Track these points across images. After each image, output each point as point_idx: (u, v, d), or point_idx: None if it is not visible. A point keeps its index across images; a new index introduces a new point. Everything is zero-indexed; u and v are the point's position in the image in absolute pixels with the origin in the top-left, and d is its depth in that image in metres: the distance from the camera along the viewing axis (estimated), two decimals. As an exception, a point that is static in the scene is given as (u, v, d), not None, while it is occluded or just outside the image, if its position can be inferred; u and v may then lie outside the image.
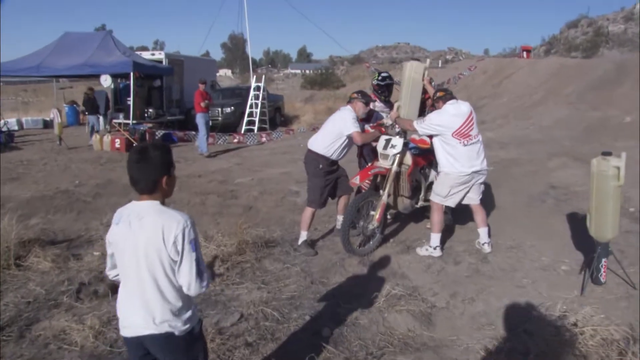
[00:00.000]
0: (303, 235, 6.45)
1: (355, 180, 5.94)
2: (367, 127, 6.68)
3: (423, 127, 5.84)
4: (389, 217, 6.93)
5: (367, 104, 6.39)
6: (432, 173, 6.83)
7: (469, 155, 5.75)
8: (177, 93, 20.59)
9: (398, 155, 6.10)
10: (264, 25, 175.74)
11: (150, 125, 16.41)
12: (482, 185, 6.05)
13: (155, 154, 2.49)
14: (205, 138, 14.19)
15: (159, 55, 20.21)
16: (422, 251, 6.06)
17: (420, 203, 6.72)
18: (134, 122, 16.20)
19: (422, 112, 6.71)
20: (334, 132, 6.25)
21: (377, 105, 7.12)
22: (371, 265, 5.84)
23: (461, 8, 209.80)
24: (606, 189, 4.89)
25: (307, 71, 65.06)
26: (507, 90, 20.80)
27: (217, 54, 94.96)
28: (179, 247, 2.44)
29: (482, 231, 6.12)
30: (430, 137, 5.99)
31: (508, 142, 13.68)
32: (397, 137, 6.21)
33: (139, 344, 2.61)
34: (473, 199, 6.03)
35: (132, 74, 15.93)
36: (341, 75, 58.11)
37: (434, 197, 5.99)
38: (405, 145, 6.23)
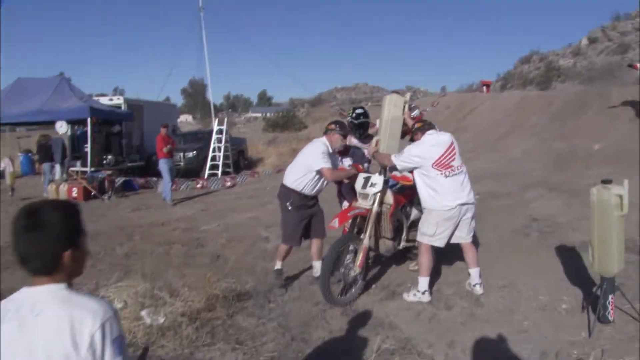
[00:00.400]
0: (277, 264, 6.23)
1: (334, 224, 5.43)
2: (343, 163, 6.25)
3: (401, 160, 5.43)
4: (369, 260, 6.43)
5: (345, 136, 5.99)
6: (414, 211, 6.40)
7: (452, 188, 5.33)
8: (138, 139, 19.95)
9: (378, 194, 5.66)
10: (224, 70, 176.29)
11: (109, 172, 15.67)
12: (473, 222, 5.62)
13: (54, 218, 1.73)
14: (170, 185, 13.51)
15: (118, 100, 19.58)
16: (409, 297, 5.55)
17: (403, 244, 6.25)
18: (92, 169, 15.48)
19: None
20: (304, 165, 5.86)
21: (353, 141, 6.70)
22: (355, 316, 5.29)
23: (417, 47, 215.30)
24: (609, 219, 4.50)
25: (268, 114, 64.97)
26: (472, 125, 20.77)
27: (178, 100, 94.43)
28: (98, 352, 1.66)
29: (474, 272, 5.66)
30: (412, 172, 5.58)
31: (480, 175, 13.37)
32: (377, 174, 5.78)
33: None
34: (462, 237, 5.58)
35: (89, 119, 15.30)
36: (303, 117, 58.09)
37: (420, 237, 5.52)
38: (386, 183, 5.79)
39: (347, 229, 5.94)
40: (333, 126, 6.02)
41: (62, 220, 1.75)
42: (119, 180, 15.29)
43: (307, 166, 5.79)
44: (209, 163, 18.71)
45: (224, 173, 18.59)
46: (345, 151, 6.48)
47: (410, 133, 5.85)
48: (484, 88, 31.84)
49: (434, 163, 5.28)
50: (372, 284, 6.15)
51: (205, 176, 17.97)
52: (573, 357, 4.23)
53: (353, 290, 5.71)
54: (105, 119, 16.86)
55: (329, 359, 4.42)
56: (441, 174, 5.29)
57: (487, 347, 4.48)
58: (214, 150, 18.92)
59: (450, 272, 6.39)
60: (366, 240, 5.59)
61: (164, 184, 13.65)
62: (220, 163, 18.78)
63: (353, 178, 5.92)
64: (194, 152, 19.29)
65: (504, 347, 4.46)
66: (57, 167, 16.42)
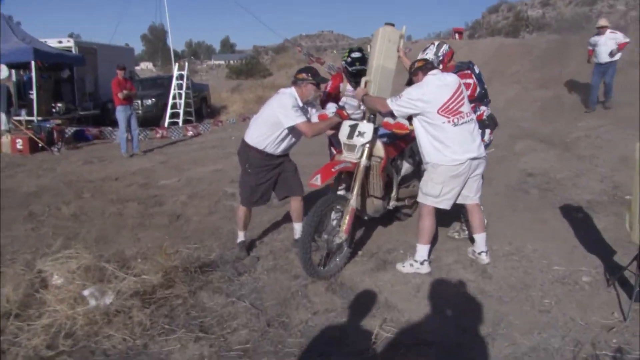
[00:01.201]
0: (240, 236, 5.46)
1: (315, 182, 4.48)
2: (327, 110, 5.28)
3: (400, 104, 4.47)
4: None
5: (318, 84, 4.98)
6: (405, 165, 5.52)
7: (461, 138, 4.44)
8: (91, 85, 18.39)
9: (367, 146, 4.76)
10: (186, 16, 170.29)
11: (59, 122, 14.28)
12: (481, 179, 4.77)
13: None
14: (125, 135, 12.26)
15: (68, 43, 17.90)
16: (405, 267, 4.72)
17: (393, 203, 5.39)
18: (40, 119, 14.09)
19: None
20: (270, 121, 4.88)
21: (348, 90, 5.69)
22: (343, 292, 4.44)
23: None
24: (657, 180, 3.69)
25: (232, 61, 62.89)
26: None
27: (138, 46, 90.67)
28: None
29: (480, 238, 4.84)
30: (410, 119, 4.67)
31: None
32: (365, 121, 4.86)
33: None
34: (469, 197, 4.74)
35: (33, 63, 13.83)
36: (267, 64, 56.28)
37: (423, 199, 4.64)
38: (376, 132, 4.88)
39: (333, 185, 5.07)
40: (304, 75, 4.95)
41: None
42: (70, 131, 13.96)
43: (275, 122, 4.85)
44: (169, 111, 17.33)
45: (186, 122, 17.26)
46: (332, 98, 5.53)
47: (410, 75, 4.86)
48: (457, 35, 30.91)
49: (440, 108, 4.37)
50: (357, 251, 5.29)
51: (166, 125, 16.68)
52: (612, 347, 3.48)
53: (338, 259, 4.86)
54: (52, 63, 15.35)
55: (315, 352, 3.58)
56: (449, 121, 4.39)
57: (506, 334, 3.69)
58: (174, 97, 17.51)
59: (445, 235, 5.59)
60: (353, 200, 4.69)
61: (120, 134, 12.43)
62: (181, 111, 17.39)
63: (338, 128, 4.99)
64: (153, 99, 17.88)
65: (527, 334, 3.68)
66: (2, 116, 14.96)
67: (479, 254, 4.84)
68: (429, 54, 5.25)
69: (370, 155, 4.84)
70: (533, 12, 51.84)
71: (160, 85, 19.34)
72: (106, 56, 18.85)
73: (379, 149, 4.94)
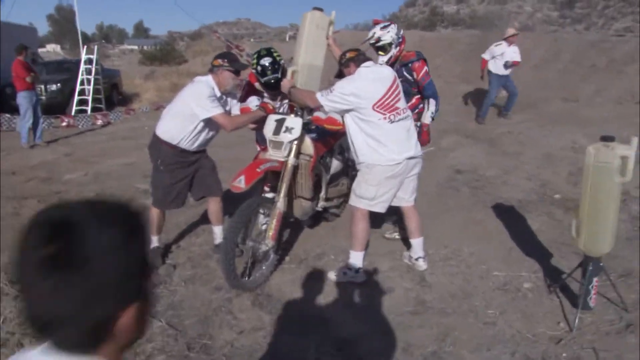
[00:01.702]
0: (154, 241, 4.73)
1: (239, 184, 3.97)
2: (250, 103, 4.78)
3: (331, 99, 4.03)
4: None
5: (237, 72, 4.41)
6: (334, 162, 5.14)
7: (398, 136, 4.08)
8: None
9: (296, 143, 4.31)
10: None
11: (-55, 108, 12.89)
12: (416, 180, 4.45)
13: (104, 244, 0.87)
14: (29, 123, 11.11)
15: (-43, 20, 16.27)
16: (339, 276, 4.32)
17: (322, 204, 5.01)
18: None
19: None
20: (184, 113, 4.33)
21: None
22: (272, 306, 3.98)
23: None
24: (607, 187, 3.47)
25: (145, 47, 60.37)
26: (368, 64, 19.77)
27: (43, 27, 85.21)
28: None
29: (417, 243, 4.52)
30: (341, 114, 4.26)
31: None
32: (293, 116, 4.40)
33: None
34: (404, 198, 4.41)
35: None
36: (183, 50, 54.44)
37: (356, 202, 4.25)
38: (305, 127, 4.43)
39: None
40: (220, 61, 4.37)
41: (120, 248, 0.90)
42: (-41, 118, 12.58)
43: (189, 114, 4.29)
44: (76, 97, 16.01)
45: (95, 109, 15.98)
46: (255, 91, 5.02)
47: (341, 66, 4.44)
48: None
49: (375, 104, 3.99)
50: (284, 257, 4.86)
51: (72, 113, 15.43)
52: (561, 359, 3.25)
53: (264, 268, 4.39)
54: None
55: (243, 382, 3.12)
56: (384, 118, 4.02)
57: (454, 353, 3.37)
58: (82, 83, 16.13)
59: (378, 237, 5.26)
60: (280, 202, 4.23)
61: (21, 122, 11.28)
62: (90, 98, 16.10)
63: (262, 123, 4.50)
64: (58, 84, 16.39)
65: (476, 351, 3.38)
66: None
67: (416, 259, 4.52)
68: (390, 33, 4.90)
69: (298, 153, 4.40)
70: (448, 8, 53.20)
71: (67, 69, 17.85)
72: (7, 35, 17.28)
73: (308, 146, 4.50)
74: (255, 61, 4.77)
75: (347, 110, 4.08)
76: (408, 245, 4.74)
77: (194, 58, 43.07)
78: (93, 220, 0.88)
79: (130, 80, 25.31)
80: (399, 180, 4.17)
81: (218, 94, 4.36)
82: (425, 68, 4.99)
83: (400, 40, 4.95)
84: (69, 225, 0.86)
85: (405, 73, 4.99)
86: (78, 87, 16.02)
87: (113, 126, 14.50)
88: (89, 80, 16.24)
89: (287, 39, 47.22)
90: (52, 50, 67.68)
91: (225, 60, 4.38)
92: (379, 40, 4.94)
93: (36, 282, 0.87)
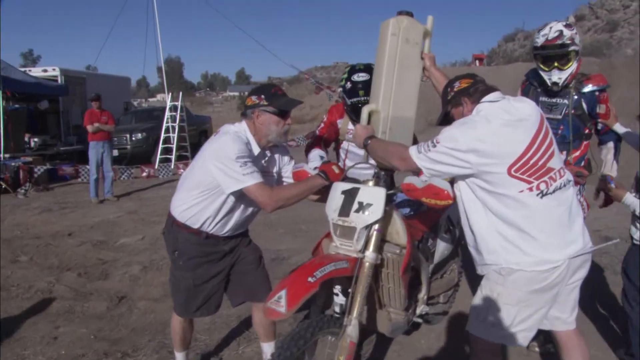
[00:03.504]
0: (178, 359, 3.40)
1: (278, 307, 2.38)
2: (309, 163, 3.29)
3: (434, 158, 2.43)
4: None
5: (283, 113, 2.93)
6: (441, 245, 3.50)
7: (554, 220, 2.41)
8: (78, 117, 16.68)
9: (377, 228, 2.71)
10: (202, 49, 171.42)
11: (29, 159, 12.52)
12: (579, 289, 2.69)
13: None
14: (96, 177, 10.35)
15: (53, 72, 16.32)
16: None
17: (422, 309, 3.31)
18: (7, 156, 12.32)
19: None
20: (203, 182, 2.89)
21: (350, 131, 3.51)
22: None
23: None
24: None
25: (246, 93, 61.85)
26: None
27: (154, 79, 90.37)
28: None
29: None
30: (452, 181, 2.64)
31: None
32: (371, 182, 2.82)
33: None
34: (561, 318, 2.67)
35: (1, 92, 12.15)
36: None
37: (480, 330, 2.56)
38: (390, 200, 2.86)
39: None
40: (254, 99, 2.94)
41: None
42: (40, 170, 12.11)
43: (209, 185, 2.87)
44: (160, 146, 15.38)
45: (180, 158, 15.27)
46: (326, 143, 3.57)
47: (447, 104, 2.80)
48: (477, 62, 29.22)
49: (513, 166, 2.35)
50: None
51: (157, 162, 14.75)
52: None
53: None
54: (30, 93, 13.69)
55: None
56: (530, 189, 2.38)
57: None
58: (166, 131, 15.48)
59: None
60: (352, 328, 2.59)
61: (90, 176, 10.54)
62: (174, 146, 15.40)
63: (323, 194, 2.96)
64: (143, 132, 15.90)
65: None
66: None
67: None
68: (578, 36, 3.34)
69: (380, 245, 2.82)
70: (550, 40, 50.43)
71: (156, 117, 17.43)
72: (97, 86, 17.15)
73: (398, 230, 2.88)
74: (345, 76, 3.47)
75: (463, 177, 2.49)
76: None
77: (291, 103, 43.10)
78: None
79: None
80: (552, 293, 2.47)
81: (256, 149, 2.92)
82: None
83: (578, 49, 3.37)
84: None
85: (583, 104, 3.37)
86: (163, 135, 15.37)
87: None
88: (173, 128, 15.56)
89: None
90: (161, 99, 71.16)
91: (261, 96, 2.91)
92: (566, 41, 3.32)
93: None
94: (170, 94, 16.58)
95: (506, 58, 47.74)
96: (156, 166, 13.88)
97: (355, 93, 3.39)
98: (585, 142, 3.41)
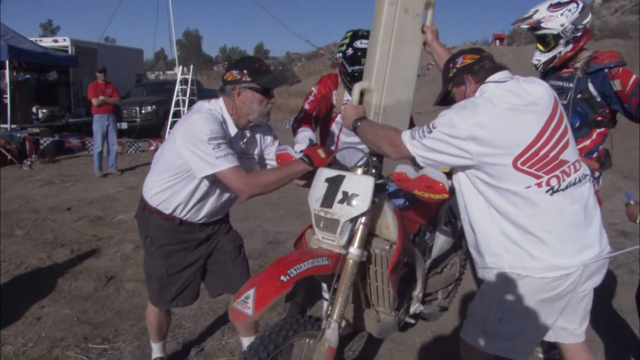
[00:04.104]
0: (155, 350, 3.21)
1: (245, 309, 2.10)
2: (295, 144, 3.00)
3: (429, 145, 2.13)
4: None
5: (267, 91, 2.63)
6: (440, 239, 3.23)
7: (567, 220, 2.12)
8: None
9: (363, 221, 2.40)
10: (220, 22, 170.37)
11: (36, 130, 12.37)
12: (592, 296, 2.40)
13: None
14: (100, 150, 10.18)
15: (64, 42, 16.16)
16: None
17: (416, 308, 3.02)
18: (13, 126, 12.18)
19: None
20: (174, 164, 2.61)
21: (346, 103, 3.11)
22: None
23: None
24: None
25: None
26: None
27: (171, 52, 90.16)
28: None
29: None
30: (449, 173, 2.34)
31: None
32: (360, 171, 2.50)
33: None
34: (568, 330, 2.38)
35: (7, 62, 11.96)
36: (298, 71, 54.20)
37: (476, 339, 2.29)
38: (381, 190, 2.58)
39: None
40: (236, 74, 2.61)
41: None
42: (46, 141, 11.96)
43: (181, 167, 2.61)
44: (170, 119, 15.11)
45: (190, 132, 15.04)
46: (316, 119, 3.27)
47: (448, 82, 2.46)
48: (497, 41, 28.56)
49: (520, 157, 2.05)
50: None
51: (166, 136, 14.54)
52: None
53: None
54: (32, 62, 13.50)
55: None
56: (539, 184, 2.08)
57: None
58: (177, 105, 15.15)
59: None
60: (331, 332, 2.32)
61: (94, 149, 10.37)
62: (184, 120, 15.15)
63: (310, 179, 2.65)
64: (153, 105, 15.64)
65: None
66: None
67: None
68: (563, 17, 2.92)
69: (368, 239, 2.53)
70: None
71: (167, 90, 17.17)
72: (108, 57, 16.94)
73: (389, 223, 2.58)
74: (346, 41, 3.15)
75: (462, 168, 2.19)
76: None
77: (307, 78, 42.58)
78: None
79: (237, 101, 24.61)
80: (562, 303, 2.18)
81: (233, 130, 2.65)
82: (635, 77, 2.87)
83: (580, 33, 2.96)
84: None
85: (590, 86, 2.98)
86: (172, 109, 15.13)
87: (202, 151, 13.38)
88: (184, 102, 15.31)
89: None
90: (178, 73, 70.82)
91: (245, 71, 2.60)
92: (537, 24, 2.98)
93: None
94: (181, 67, 16.27)
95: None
96: (161, 139, 13.67)
97: (357, 61, 3.06)
98: (598, 131, 3.04)
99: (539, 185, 2.06)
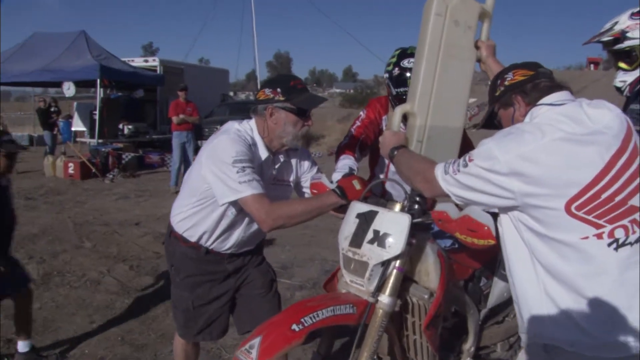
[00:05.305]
0: None
1: (249, 356, 1.87)
2: (335, 172, 2.74)
3: (464, 181, 1.77)
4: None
5: (303, 112, 2.41)
6: (498, 285, 2.84)
7: (632, 283, 1.64)
8: (175, 107, 17.22)
9: (397, 266, 2.09)
10: (311, 45, 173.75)
11: (120, 145, 12.84)
12: None
13: None
14: (178, 167, 10.36)
15: (153, 62, 16.89)
16: None
17: (466, 360, 2.68)
18: (100, 141, 12.70)
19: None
20: (199, 189, 2.44)
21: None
22: None
23: (511, 30, 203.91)
24: None
25: (351, 90, 61.64)
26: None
27: (263, 73, 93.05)
28: None
29: None
30: (494, 215, 1.94)
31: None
32: (398, 206, 2.21)
33: None
34: None
35: (98, 81, 12.53)
36: (384, 94, 53.94)
37: None
38: (422, 228, 2.25)
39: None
40: (269, 92, 2.39)
41: None
42: (128, 156, 12.38)
43: (205, 192, 2.42)
44: (248, 139, 15.40)
45: (269, 152, 15.22)
46: (363, 145, 2.96)
47: (494, 102, 2.06)
48: (591, 66, 27.09)
49: (574, 200, 1.64)
50: None
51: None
52: None
53: None
54: (125, 81, 14.10)
55: None
56: (598, 235, 1.64)
57: None
58: (256, 124, 15.53)
59: None
60: None
61: (172, 165, 10.58)
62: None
63: (339, 210, 2.38)
64: (235, 125, 16.12)
65: None
66: (46, 137, 13.96)
67: None
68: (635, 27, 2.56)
69: (406, 285, 2.23)
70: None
71: (249, 110, 17.56)
72: (194, 77, 17.55)
73: (429, 269, 2.25)
74: (393, 60, 2.87)
75: (505, 209, 1.83)
76: None
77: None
78: None
79: (322, 122, 24.56)
80: None
81: (263, 153, 2.45)
82: None
83: None
84: None
85: None
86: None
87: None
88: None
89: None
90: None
91: (278, 90, 2.39)
92: (622, 35, 2.56)
93: None
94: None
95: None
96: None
97: (404, 82, 2.76)
98: None
99: (599, 236, 1.65)
